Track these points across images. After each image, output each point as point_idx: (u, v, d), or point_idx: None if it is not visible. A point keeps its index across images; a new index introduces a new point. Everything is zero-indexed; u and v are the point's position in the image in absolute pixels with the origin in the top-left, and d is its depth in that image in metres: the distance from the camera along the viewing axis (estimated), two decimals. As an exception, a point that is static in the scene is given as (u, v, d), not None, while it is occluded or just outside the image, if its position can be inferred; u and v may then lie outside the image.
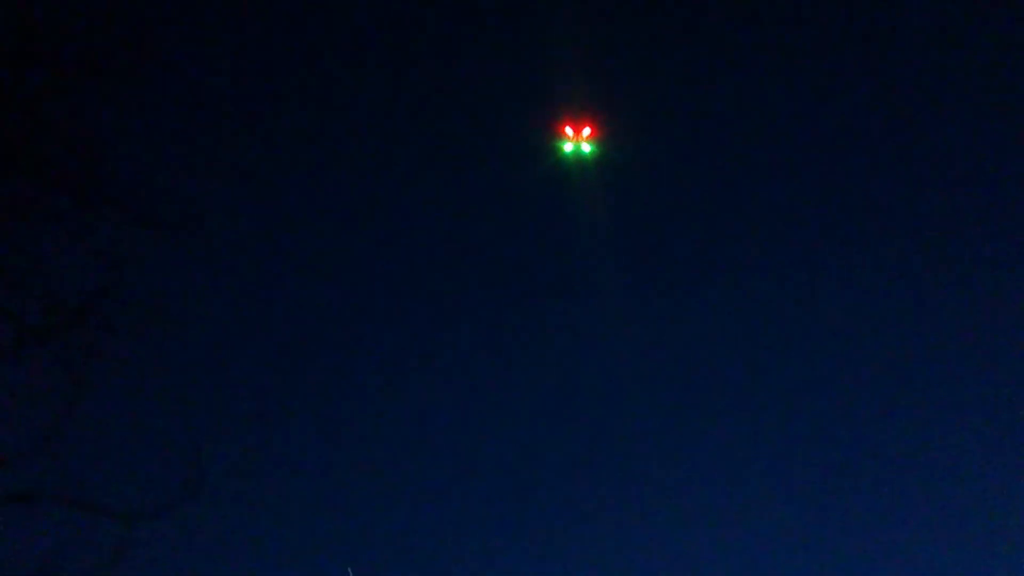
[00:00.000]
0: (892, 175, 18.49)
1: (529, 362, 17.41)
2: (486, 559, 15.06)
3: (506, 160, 17.36)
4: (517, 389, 17.00)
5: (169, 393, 10.51)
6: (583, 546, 15.63)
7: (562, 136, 17.03)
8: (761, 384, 18.18)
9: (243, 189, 13.25)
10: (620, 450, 16.88)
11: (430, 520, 14.84)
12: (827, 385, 17.27)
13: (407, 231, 16.25)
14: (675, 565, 15.89)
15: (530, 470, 16.31)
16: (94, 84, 10.04)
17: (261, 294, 13.81)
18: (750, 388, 18.16)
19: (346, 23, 15.74)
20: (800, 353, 18.27)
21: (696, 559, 15.83)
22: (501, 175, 17.40)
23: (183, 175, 10.36)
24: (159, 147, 10.53)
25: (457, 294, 17.10)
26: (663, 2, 17.56)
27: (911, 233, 18.11)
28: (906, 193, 18.29)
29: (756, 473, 17.23)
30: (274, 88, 14.42)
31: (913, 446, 16.31)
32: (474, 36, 16.93)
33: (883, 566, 15.83)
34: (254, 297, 13.69)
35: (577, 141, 17.09)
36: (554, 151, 17.11)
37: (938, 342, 17.42)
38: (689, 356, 18.51)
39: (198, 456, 10.29)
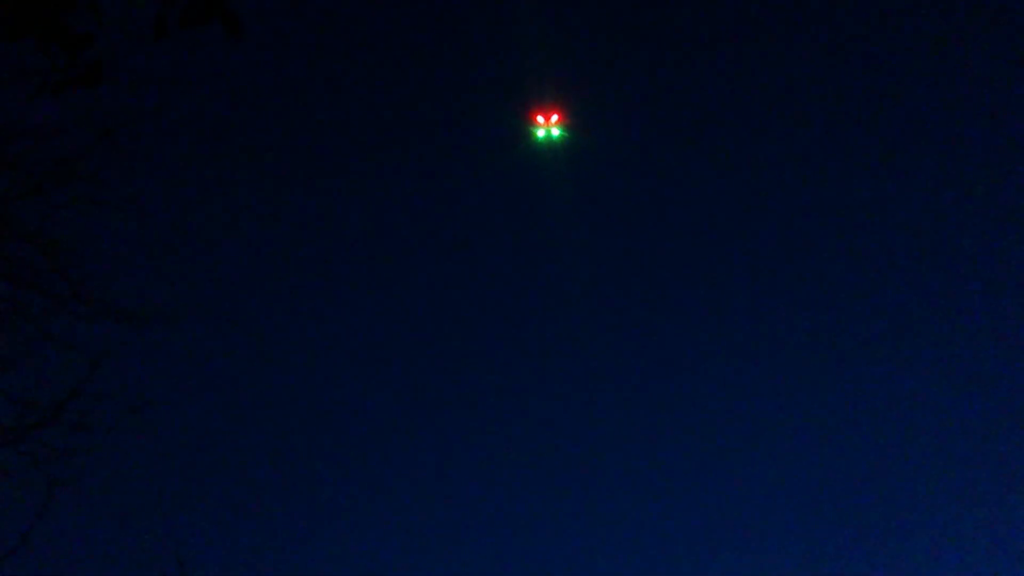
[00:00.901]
0: (868, 168, 18.48)
1: (503, 343, 17.60)
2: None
3: (483, 145, 17.87)
4: (492, 373, 17.19)
5: (146, 491, 10.40)
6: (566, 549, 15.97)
7: (534, 123, 18.01)
8: (734, 362, 18.42)
9: (217, 284, 12.84)
10: (585, 435, 17.11)
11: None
12: (802, 367, 17.51)
13: (393, 238, 16.17)
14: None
15: (488, 459, 16.50)
16: (64, 183, 9.57)
17: (238, 388, 13.57)
18: (722, 366, 18.38)
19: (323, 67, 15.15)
20: (774, 330, 18.52)
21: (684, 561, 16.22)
22: (479, 159, 17.89)
23: (156, 271, 10.01)
24: (130, 244, 10.12)
25: (437, 277, 17.23)
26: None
27: (898, 220, 18.23)
28: (889, 179, 18.34)
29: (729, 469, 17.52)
30: (245, 176, 13.87)
31: (912, 447, 16.59)
32: (454, 32, 16.73)
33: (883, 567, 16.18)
34: (230, 391, 13.45)
35: (548, 127, 18.13)
36: (527, 136, 18.12)
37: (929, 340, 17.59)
38: (657, 332, 18.75)
39: (177, 554, 10.27)
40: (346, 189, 16.05)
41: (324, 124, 15.89)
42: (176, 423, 11.71)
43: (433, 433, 15.30)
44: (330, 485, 14.03)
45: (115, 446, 9.87)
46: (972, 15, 16.74)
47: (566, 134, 18.20)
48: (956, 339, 16.75)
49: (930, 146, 18.20)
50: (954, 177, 17.60)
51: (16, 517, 9.80)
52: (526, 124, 17.82)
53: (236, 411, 13.31)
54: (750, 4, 18.28)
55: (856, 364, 17.44)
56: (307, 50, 15.68)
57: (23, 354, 9.88)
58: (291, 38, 15.26)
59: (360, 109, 16.36)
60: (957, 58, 17.54)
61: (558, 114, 17.89)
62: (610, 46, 18.32)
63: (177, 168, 11.91)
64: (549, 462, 16.59)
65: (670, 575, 15.69)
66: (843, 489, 16.81)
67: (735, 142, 18.86)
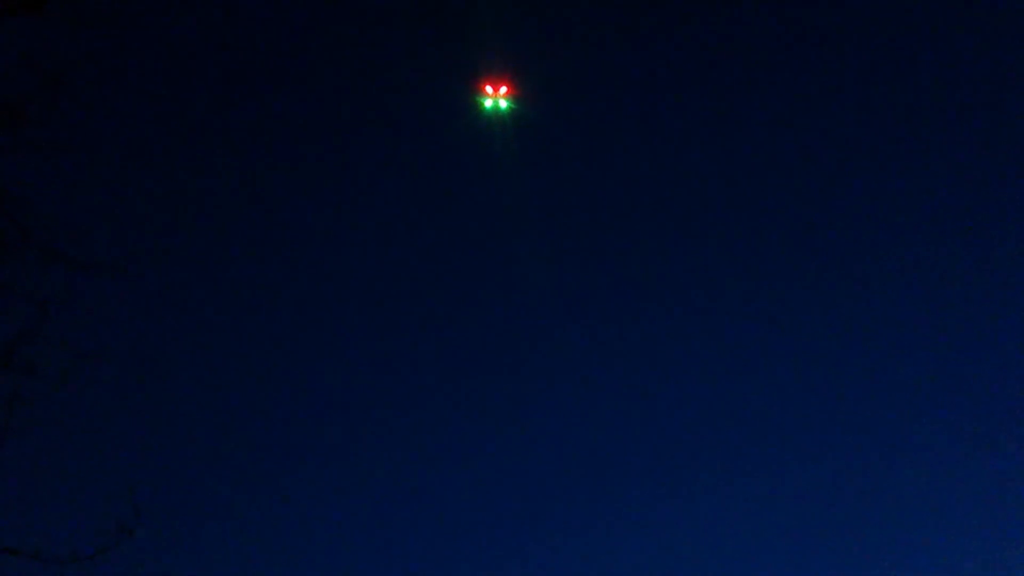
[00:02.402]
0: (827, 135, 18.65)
1: (451, 318, 17.60)
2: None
3: (431, 114, 17.95)
4: (443, 353, 17.15)
5: (97, 436, 10.38)
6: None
7: (482, 93, 18.12)
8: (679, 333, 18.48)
9: (169, 228, 12.81)
10: (530, 413, 17.15)
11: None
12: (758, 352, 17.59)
13: (339, 201, 16.20)
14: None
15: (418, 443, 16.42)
16: (13, 126, 9.53)
17: (188, 334, 13.52)
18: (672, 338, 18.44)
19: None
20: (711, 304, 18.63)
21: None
22: (426, 128, 17.97)
23: (107, 216, 10.00)
24: (81, 188, 10.10)
25: (379, 245, 17.24)
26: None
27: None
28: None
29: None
30: (198, 122, 13.84)
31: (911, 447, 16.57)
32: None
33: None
34: (181, 337, 13.40)
35: (496, 98, 18.26)
36: (475, 106, 18.20)
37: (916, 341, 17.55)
38: (600, 305, 18.82)
39: (131, 497, 10.25)
40: (292, 148, 16.05)
41: (276, 81, 15.89)
42: (128, 371, 11.69)
43: (378, 388, 15.35)
44: (287, 431, 14.07)
45: (67, 394, 9.84)
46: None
47: (514, 106, 18.37)
48: (955, 339, 16.85)
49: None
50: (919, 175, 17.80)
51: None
52: (474, 94, 17.96)
53: (189, 359, 13.31)
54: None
55: (845, 352, 17.54)
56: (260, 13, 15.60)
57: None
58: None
59: (309, 75, 16.38)
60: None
61: (507, 86, 18.08)
62: (563, 20, 18.47)
63: (130, 112, 11.88)
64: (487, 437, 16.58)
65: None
66: (842, 490, 16.79)
67: (684, 118, 19.03)
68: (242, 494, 13.20)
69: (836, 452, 16.95)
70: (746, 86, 18.75)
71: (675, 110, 18.96)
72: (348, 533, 14.26)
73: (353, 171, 16.78)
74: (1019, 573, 15.44)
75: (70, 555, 10.27)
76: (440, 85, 17.30)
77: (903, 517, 16.50)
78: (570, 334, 17.83)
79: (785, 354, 17.88)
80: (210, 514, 12.70)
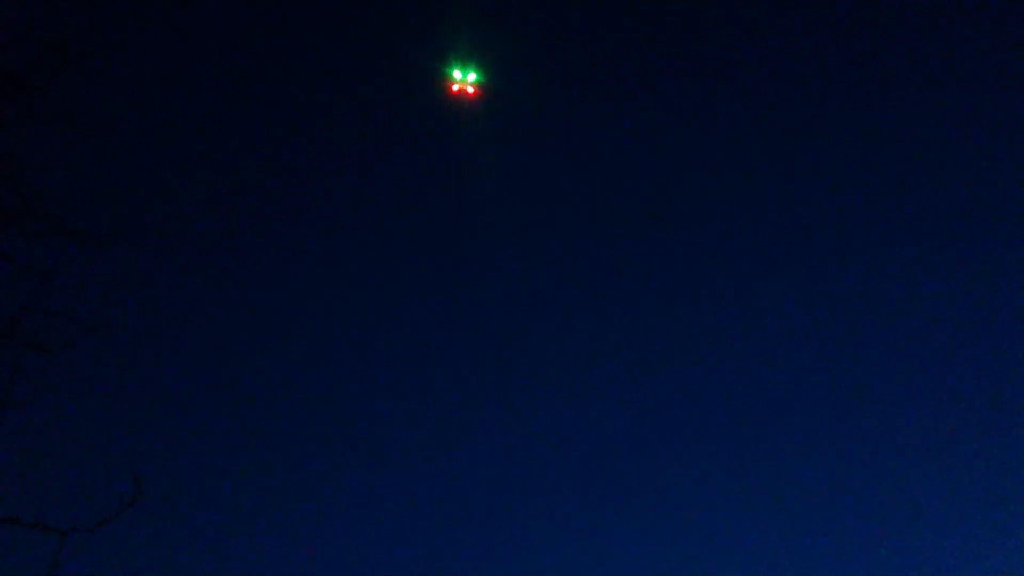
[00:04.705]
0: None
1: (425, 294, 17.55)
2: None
3: (397, 93, 17.86)
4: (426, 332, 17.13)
5: (100, 409, 10.41)
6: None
7: (450, 71, 18.19)
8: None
9: (170, 200, 12.75)
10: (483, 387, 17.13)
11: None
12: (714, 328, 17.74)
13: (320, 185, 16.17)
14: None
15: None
16: (13, 96, 9.51)
17: (191, 306, 13.47)
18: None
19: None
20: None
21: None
22: (392, 107, 17.89)
23: (110, 187, 10.01)
24: (84, 159, 10.09)
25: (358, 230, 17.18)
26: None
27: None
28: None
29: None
30: (197, 92, 13.74)
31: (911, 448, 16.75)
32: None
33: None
34: (185, 310, 13.35)
35: (464, 76, 18.33)
36: (443, 84, 18.23)
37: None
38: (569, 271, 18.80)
39: (133, 469, 10.32)
40: (290, 132, 15.91)
41: (276, 65, 15.72)
42: (130, 343, 11.69)
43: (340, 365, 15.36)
44: (287, 401, 14.10)
45: (69, 365, 9.86)
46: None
47: (483, 80, 18.49)
48: (954, 339, 17.07)
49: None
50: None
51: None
52: (442, 72, 18.06)
53: (191, 331, 13.28)
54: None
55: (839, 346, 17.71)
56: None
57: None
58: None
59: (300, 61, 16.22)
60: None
61: (477, 64, 18.20)
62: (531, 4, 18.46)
63: (134, 82, 11.82)
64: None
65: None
66: (842, 491, 16.95)
67: (658, 98, 19.06)
68: (243, 466, 13.26)
69: (835, 452, 17.08)
70: (729, 68, 18.77)
71: (649, 89, 18.95)
72: (345, 512, 14.34)
73: (325, 157, 16.67)
74: (1019, 573, 15.71)
75: (71, 526, 10.34)
76: (408, 69, 17.31)
77: (902, 517, 16.72)
78: (555, 323, 17.79)
79: (781, 346, 18.02)
80: (211, 486, 12.76)
